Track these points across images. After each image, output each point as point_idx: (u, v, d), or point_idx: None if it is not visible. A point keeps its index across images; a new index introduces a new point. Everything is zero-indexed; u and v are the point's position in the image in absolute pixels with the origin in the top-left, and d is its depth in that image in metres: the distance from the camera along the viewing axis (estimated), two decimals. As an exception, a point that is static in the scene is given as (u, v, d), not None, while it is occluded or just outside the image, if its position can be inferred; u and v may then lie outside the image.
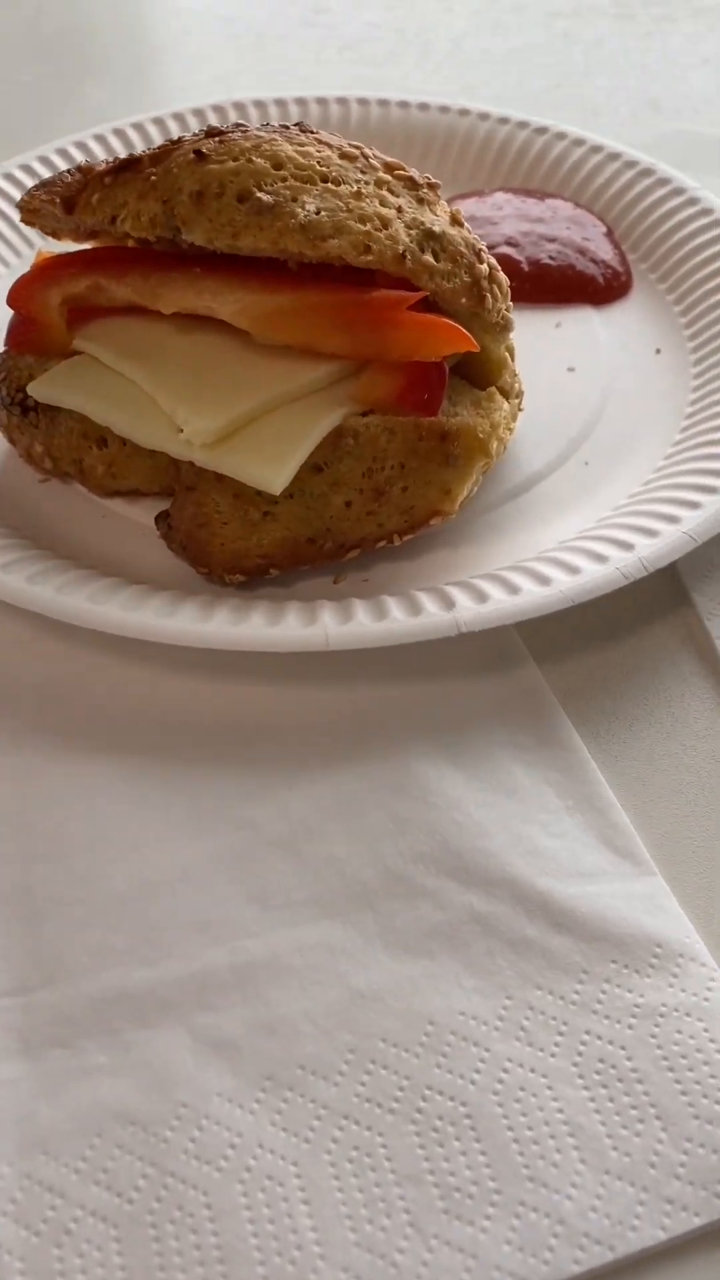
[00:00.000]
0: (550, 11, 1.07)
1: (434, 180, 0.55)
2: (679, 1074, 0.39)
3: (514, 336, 0.60)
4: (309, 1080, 0.40)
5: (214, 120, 0.82)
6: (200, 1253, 0.36)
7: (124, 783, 0.48)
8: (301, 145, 0.53)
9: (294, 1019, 0.41)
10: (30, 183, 0.76)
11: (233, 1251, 0.36)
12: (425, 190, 0.54)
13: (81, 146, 0.79)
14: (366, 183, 0.52)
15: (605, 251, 0.73)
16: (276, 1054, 0.40)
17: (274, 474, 0.51)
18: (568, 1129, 0.38)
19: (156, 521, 0.56)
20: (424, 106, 0.83)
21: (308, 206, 0.50)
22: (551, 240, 0.73)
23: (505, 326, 0.55)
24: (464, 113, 0.82)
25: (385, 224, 0.51)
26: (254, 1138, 0.38)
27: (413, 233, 0.52)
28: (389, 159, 0.54)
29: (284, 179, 0.51)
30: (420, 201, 0.53)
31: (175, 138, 0.54)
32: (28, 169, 0.77)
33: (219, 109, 0.83)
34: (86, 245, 0.60)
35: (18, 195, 0.74)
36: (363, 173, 0.53)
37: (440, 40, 1.03)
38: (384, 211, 0.52)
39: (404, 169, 0.54)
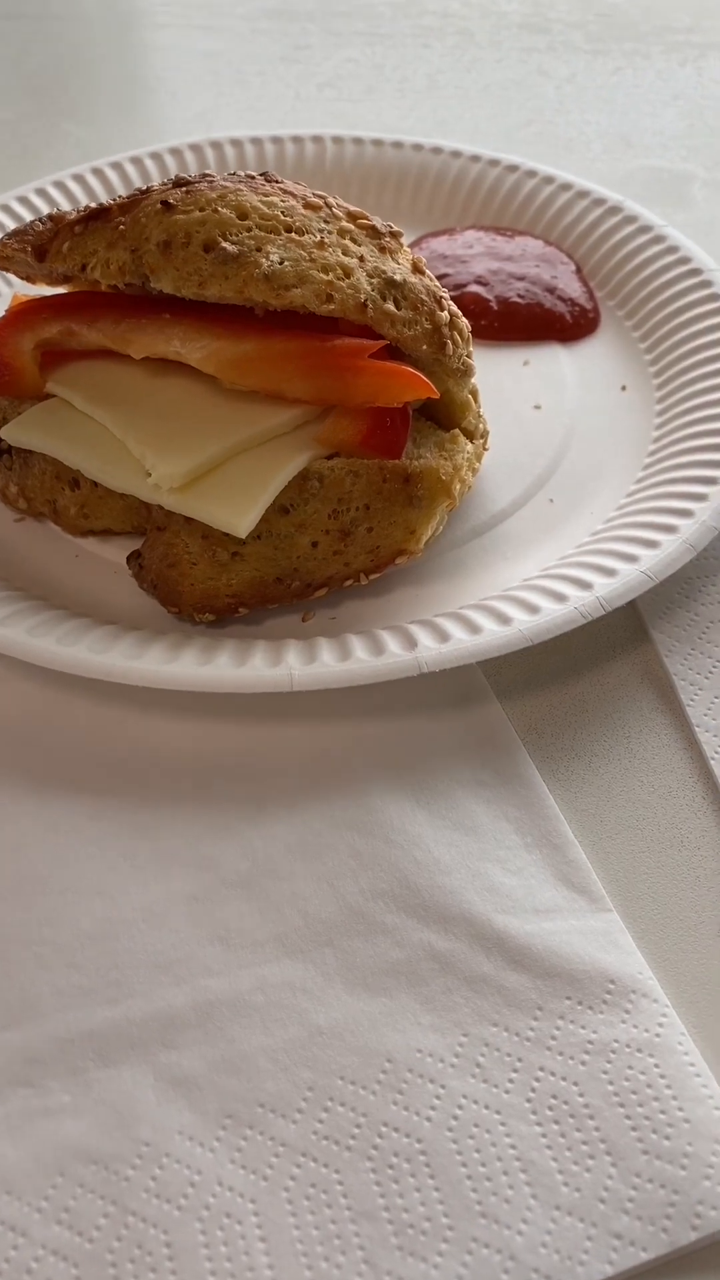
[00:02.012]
0: (525, 47, 1.09)
1: (396, 229, 0.56)
2: (629, 1110, 0.40)
3: (482, 375, 0.62)
4: (268, 1118, 0.41)
5: (192, 160, 0.83)
6: (158, 1290, 0.37)
7: (89, 822, 0.48)
8: (266, 195, 0.54)
9: (255, 1056, 0.42)
10: (9, 223, 0.77)
11: (190, 1289, 0.37)
12: (387, 239, 0.55)
13: (60, 186, 0.80)
14: (329, 232, 0.54)
15: (574, 289, 0.74)
16: (237, 1092, 0.41)
17: (240, 518, 0.52)
18: (520, 1165, 0.39)
19: (128, 561, 0.57)
20: (398, 145, 0.85)
21: (271, 256, 0.52)
22: (521, 278, 0.74)
23: (466, 372, 0.57)
24: (436, 150, 0.84)
25: (347, 273, 0.53)
26: (213, 1175, 0.39)
27: (374, 281, 0.53)
28: (352, 208, 0.56)
29: (249, 229, 0.52)
30: (382, 250, 0.55)
31: (144, 187, 0.56)
32: (7, 209, 0.78)
33: (196, 148, 0.84)
34: (61, 290, 0.61)
35: (-4, 236, 0.75)
36: (326, 222, 0.54)
37: (417, 77, 1.04)
38: (346, 261, 0.53)
39: (366, 218, 0.55)
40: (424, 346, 0.54)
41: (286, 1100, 0.41)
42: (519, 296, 0.73)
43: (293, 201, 0.54)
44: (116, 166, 0.82)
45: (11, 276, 0.74)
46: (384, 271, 0.54)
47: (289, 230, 0.53)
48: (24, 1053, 0.42)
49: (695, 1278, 0.37)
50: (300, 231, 0.53)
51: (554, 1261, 0.37)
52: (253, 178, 0.55)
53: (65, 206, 0.79)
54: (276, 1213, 0.39)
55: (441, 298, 0.55)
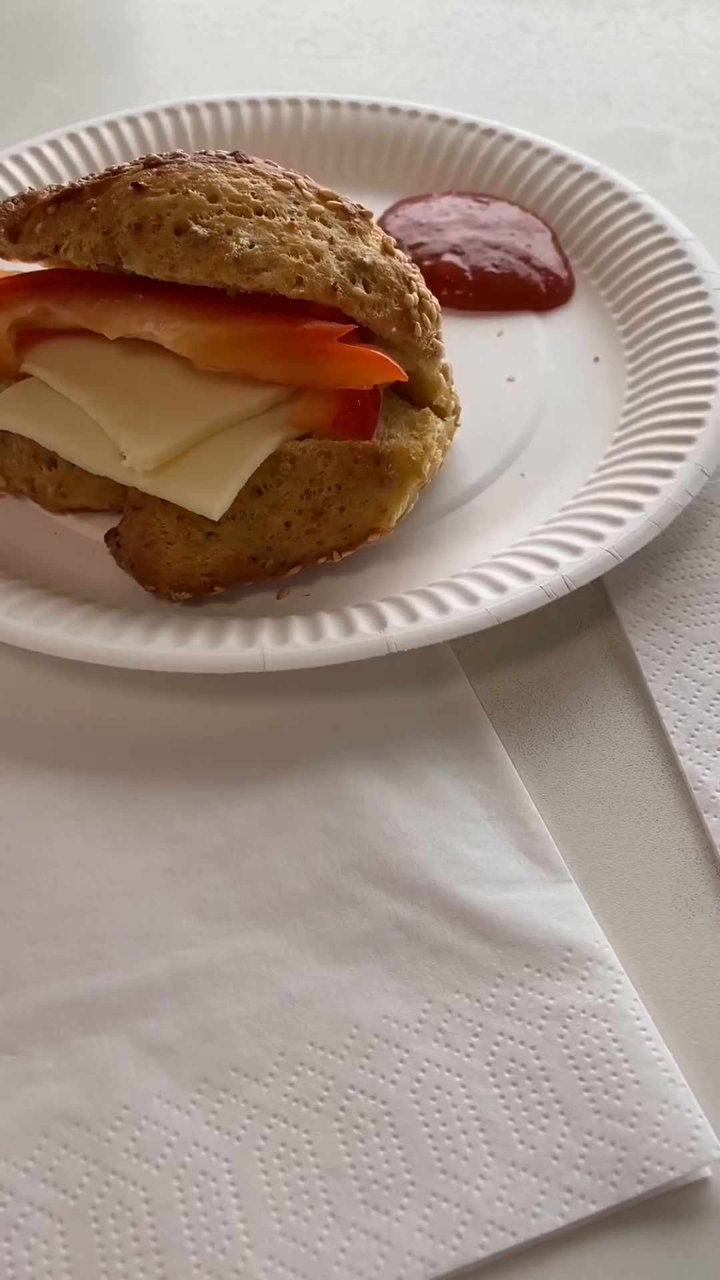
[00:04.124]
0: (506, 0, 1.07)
1: (365, 209, 0.56)
2: (583, 1071, 0.43)
3: (456, 347, 0.62)
4: (241, 1082, 0.43)
5: (168, 125, 0.83)
6: (139, 1244, 0.39)
7: (68, 799, 0.50)
8: (236, 176, 0.54)
9: (229, 1024, 0.44)
10: (-14, 190, 0.77)
11: (169, 1243, 0.39)
12: (357, 219, 0.56)
13: (35, 152, 0.80)
14: (299, 214, 0.54)
15: (549, 258, 0.75)
16: (212, 1057, 0.43)
17: (213, 500, 0.53)
18: (479, 1124, 0.42)
19: (106, 539, 0.58)
20: (374, 107, 0.84)
21: (242, 240, 0.52)
22: (496, 247, 0.75)
23: (435, 353, 0.57)
24: (414, 114, 0.83)
25: (317, 256, 0.53)
26: (190, 1136, 0.42)
27: (344, 264, 0.54)
28: (322, 189, 0.56)
29: (219, 211, 0.53)
30: (352, 231, 0.55)
31: (116, 167, 0.56)
32: (-17, 176, 0.78)
33: (172, 113, 0.83)
34: (37, 266, 0.62)
35: (-28, 204, 0.75)
36: (296, 204, 0.55)
37: (396, 32, 1.03)
38: (316, 244, 0.53)
39: (337, 198, 0.56)
40: (393, 329, 0.55)
41: (259, 1065, 0.43)
42: (494, 266, 0.74)
43: (263, 183, 0.55)
44: (93, 132, 0.82)
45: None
46: (354, 254, 0.54)
47: (259, 213, 0.53)
48: (8, 1021, 0.44)
49: (640, 1229, 0.40)
50: (270, 214, 0.54)
51: (509, 1214, 0.40)
52: (223, 157, 0.56)
53: (41, 173, 0.79)
54: (249, 1170, 0.41)
55: (411, 279, 0.56)
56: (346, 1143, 0.41)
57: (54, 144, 0.81)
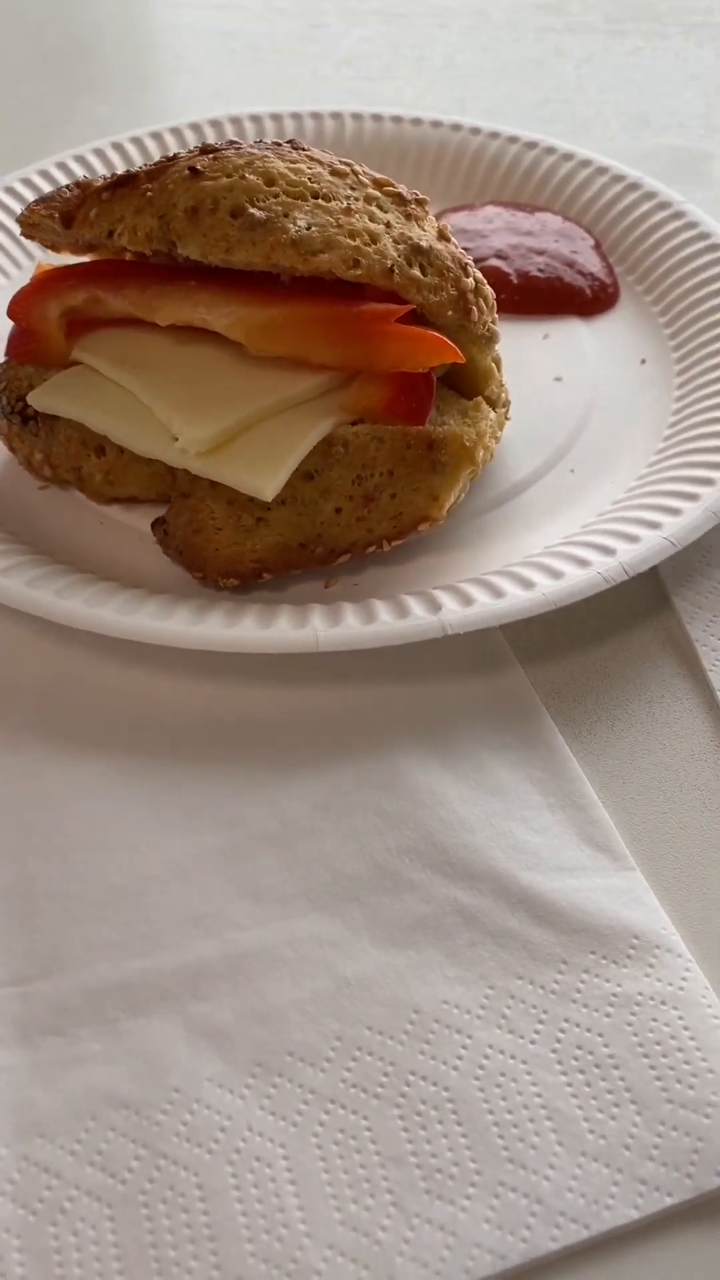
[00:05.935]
0: (542, 27, 1.09)
1: (421, 196, 0.56)
2: (654, 1060, 0.41)
3: (503, 347, 0.62)
4: (297, 1066, 0.41)
5: (211, 135, 0.84)
6: (191, 1230, 0.38)
7: (119, 781, 0.49)
8: (293, 162, 0.54)
9: (283, 1008, 0.42)
10: (31, 196, 0.77)
11: (222, 1230, 0.38)
12: (413, 206, 0.56)
13: (81, 160, 0.81)
14: (356, 199, 0.54)
15: (593, 264, 0.74)
16: (266, 1041, 0.42)
17: (266, 481, 0.52)
18: (546, 1113, 0.40)
19: (153, 528, 0.57)
20: (417, 121, 0.85)
21: (299, 222, 0.52)
22: (540, 253, 0.75)
23: (491, 338, 0.57)
24: (456, 127, 0.84)
25: (374, 239, 0.53)
26: (243, 1121, 0.40)
27: (400, 247, 0.53)
28: (378, 175, 0.56)
29: (276, 195, 0.53)
30: (408, 217, 0.55)
31: (171, 154, 0.56)
32: (28, 183, 0.78)
33: (216, 124, 0.84)
34: (85, 258, 0.62)
35: (18, 208, 0.76)
36: (352, 189, 0.54)
37: (434, 56, 1.04)
38: (373, 227, 0.53)
39: (392, 185, 0.56)
40: (449, 312, 0.54)
41: (315, 1049, 0.41)
42: (539, 271, 0.73)
43: (319, 168, 0.55)
44: (136, 141, 0.83)
45: (34, 247, 0.74)
46: (410, 238, 0.54)
47: (316, 196, 0.53)
48: (55, 1003, 0.43)
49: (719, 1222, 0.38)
50: (327, 198, 0.53)
51: (580, 1205, 0.38)
52: (279, 145, 0.55)
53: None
54: (306, 1157, 0.39)
55: (466, 264, 0.55)
56: (408, 1130, 0.40)
57: (98, 152, 0.82)
